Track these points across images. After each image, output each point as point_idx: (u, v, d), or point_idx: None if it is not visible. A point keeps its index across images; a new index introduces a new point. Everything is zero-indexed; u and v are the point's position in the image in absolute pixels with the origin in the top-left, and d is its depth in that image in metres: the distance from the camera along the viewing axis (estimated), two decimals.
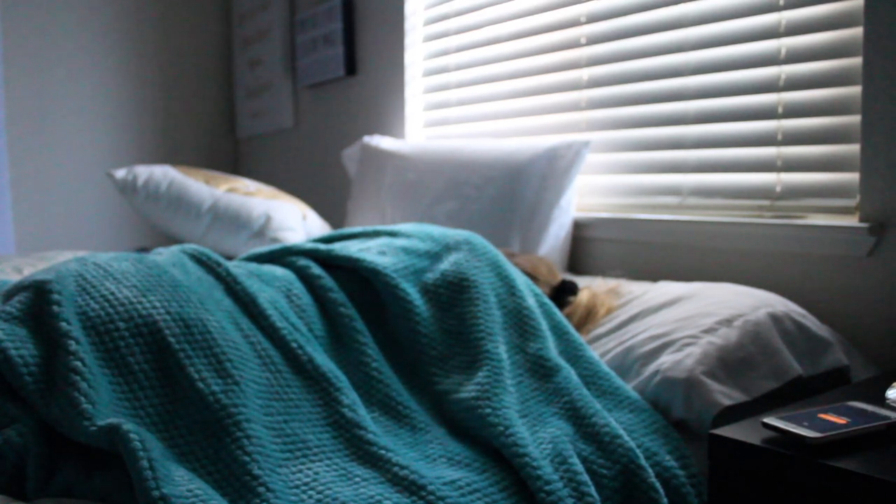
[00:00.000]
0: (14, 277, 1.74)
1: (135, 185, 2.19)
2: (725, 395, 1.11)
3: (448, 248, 1.30)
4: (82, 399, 0.87)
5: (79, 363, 0.90)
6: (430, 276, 1.25)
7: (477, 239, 1.33)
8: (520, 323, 1.21)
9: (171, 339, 0.98)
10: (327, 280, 1.21)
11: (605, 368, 1.20)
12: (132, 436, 0.82)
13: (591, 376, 1.18)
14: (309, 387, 1.04)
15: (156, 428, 0.91)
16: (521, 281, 1.29)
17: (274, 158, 3.25)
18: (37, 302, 0.98)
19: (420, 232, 1.36)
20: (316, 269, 1.23)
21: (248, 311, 1.11)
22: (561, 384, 1.12)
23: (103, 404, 0.88)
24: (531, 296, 1.28)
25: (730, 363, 1.15)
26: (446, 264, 1.26)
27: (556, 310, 1.29)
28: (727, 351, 1.16)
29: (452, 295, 1.21)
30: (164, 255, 1.19)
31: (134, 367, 0.95)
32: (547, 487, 0.93)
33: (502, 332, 1.18)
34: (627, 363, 1.23)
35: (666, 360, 1.16)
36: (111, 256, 1.12)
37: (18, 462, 0.85)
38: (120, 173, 2.21)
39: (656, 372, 1.15)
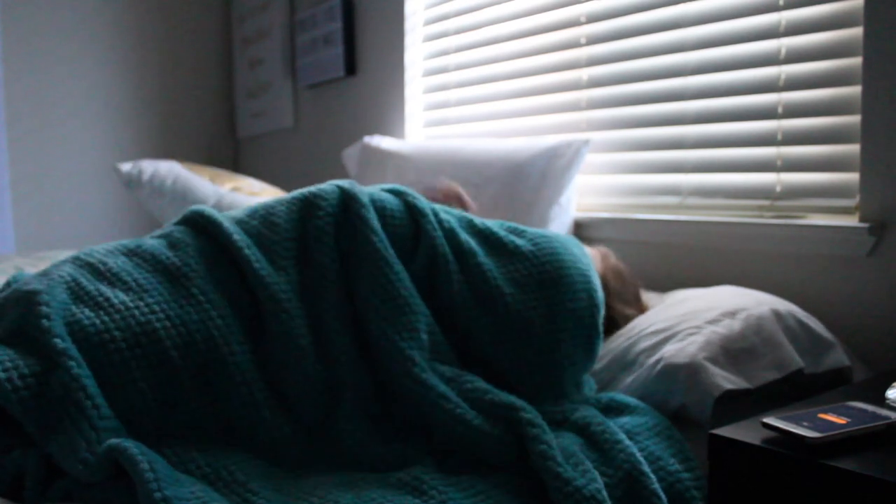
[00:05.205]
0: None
1: (140, 179, 2.19)
2: (727, 379, 1.11)
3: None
4: (83, 446, 0.83)
5: (81, 395, 0.85)
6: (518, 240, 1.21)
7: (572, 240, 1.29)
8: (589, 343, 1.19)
9: (174, 354, 0.94)
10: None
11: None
12: (127, 444, 0.81)
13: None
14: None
15: (156, 446, 0.89)
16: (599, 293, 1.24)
17: (274, 158, 3.25)
18: (25, 316, 0.92)
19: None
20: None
21: (248, 281, 1.05)
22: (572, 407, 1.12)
23: (104, 441, 0.84)
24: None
25: (732, 351, 1.16)
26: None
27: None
28: (730, 340, 1.17)
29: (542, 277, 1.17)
30: (164, 231, 1.13)
31: (129, 386, 0.90)
32: (566, 488, 0.91)
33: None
34: (631, 356, 1.24)
35: (669, 348, 1.17)
36: (107, 251, 1.07)
37: (17, 472, 0.85)
38: (126, 167, 2.22)
39: (659, 359, 1.16)
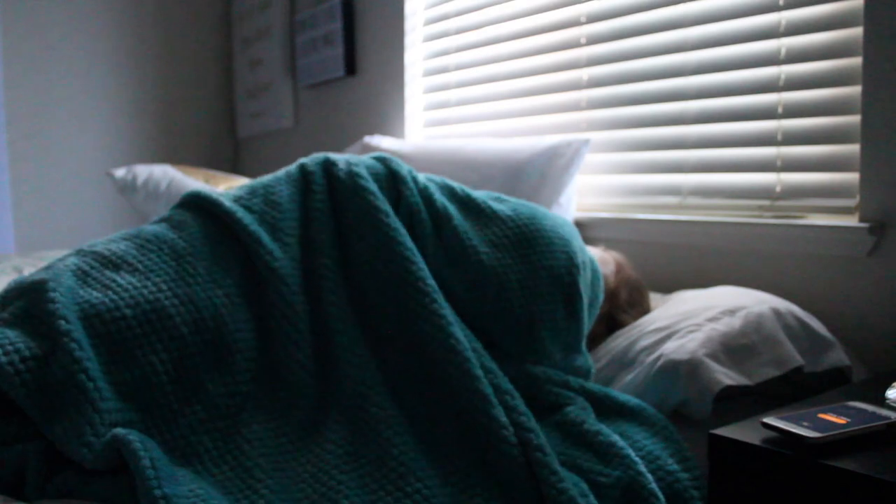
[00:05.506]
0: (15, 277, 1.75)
1: (134, 184, 2.19)
2: (726, 375, 1.11)
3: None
4: (87, 429, 0.83)
5: (83, 377, 0.85)
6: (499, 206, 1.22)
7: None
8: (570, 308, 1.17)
9: (184, 330, 0.95)
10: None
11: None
12: (131, 437, 0.81)
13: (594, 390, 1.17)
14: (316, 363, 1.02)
15: (165, 425, 0.90)
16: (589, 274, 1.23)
17: (274, 158, 3.25)
18: (33, 301, 0.93)
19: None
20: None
21: (257, 263, 1.06)
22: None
23: (107, 424, 0.85)
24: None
25: (732, 348, 1.16)
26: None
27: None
28: (730, 337, 1.17)
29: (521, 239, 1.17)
30: (163, 215, 1.14)
31: (142, 361, 0.91)
32: (560, 485, 0.91)
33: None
34: (631, 355, 1.24)
35: (669, 345, 1.18)
36: (109, 240, 1.08)
37: (18, 467, 0.85)
38: (119, 172, 2.22)
39: (659, 356, 1.16)
